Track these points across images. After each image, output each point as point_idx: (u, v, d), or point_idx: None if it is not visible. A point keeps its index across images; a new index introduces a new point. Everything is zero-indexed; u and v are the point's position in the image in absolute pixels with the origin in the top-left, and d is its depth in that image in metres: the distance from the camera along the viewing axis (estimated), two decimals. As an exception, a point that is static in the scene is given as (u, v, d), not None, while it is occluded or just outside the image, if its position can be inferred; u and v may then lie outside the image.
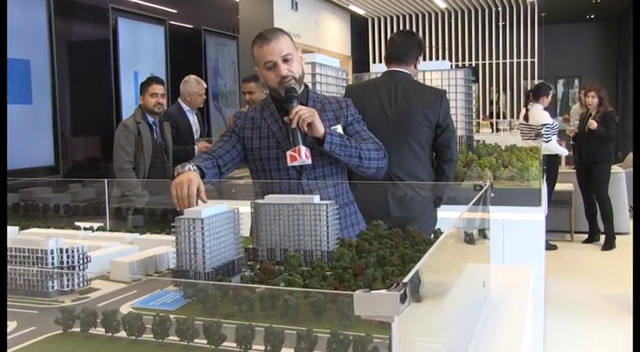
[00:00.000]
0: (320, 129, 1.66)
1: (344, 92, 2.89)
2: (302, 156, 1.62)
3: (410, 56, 2.58)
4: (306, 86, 1.86)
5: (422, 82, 3.62)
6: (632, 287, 2.08)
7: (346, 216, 1.80)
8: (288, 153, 1.64)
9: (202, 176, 1.55)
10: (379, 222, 1.44)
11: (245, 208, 1.36)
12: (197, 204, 1.43)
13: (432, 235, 1.38)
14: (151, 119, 3.46)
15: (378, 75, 2.90)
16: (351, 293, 0.63)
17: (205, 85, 4.11)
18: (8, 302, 1.02)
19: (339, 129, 1.80)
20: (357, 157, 1.73)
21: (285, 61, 1.73)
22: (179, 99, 4.01)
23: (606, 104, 5.16)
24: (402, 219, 2.27)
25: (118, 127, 3.45)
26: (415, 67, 2.62)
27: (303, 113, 1.63)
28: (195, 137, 4.00)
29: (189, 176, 1.48)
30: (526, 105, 5.29)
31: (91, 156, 4.18)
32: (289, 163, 1.65)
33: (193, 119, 4.05)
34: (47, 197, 2.17)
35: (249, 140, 1.80)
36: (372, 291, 0.62)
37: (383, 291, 0.62)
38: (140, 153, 3.37)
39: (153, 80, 3.54)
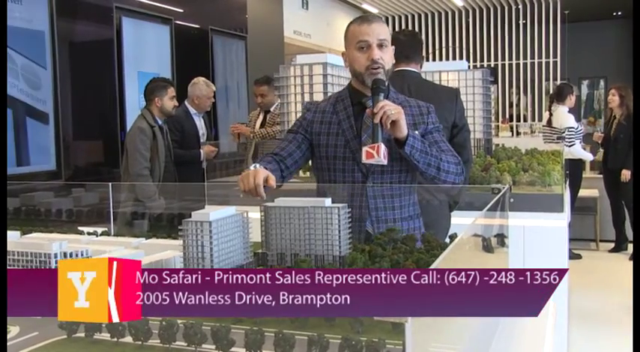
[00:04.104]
0: (404, 129, 1.54)
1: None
2: (381, 154, 1.50)
3: (417, 54, 2.53)
4: (389, 84, 1.72)
5: (438, 82, 3.51)
6: (632, 288, 1.97)
7: (408, 230, 1.65)
8: (365, 148, 1.52)
9: None
10: (393, 227, 1.40)
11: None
12: (266, 194, 1.42)
13: (449, 240, 1.31)
14: (159, 122, 3.38)
15: (391, 74, 2.81)
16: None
17: (214, 88, 4.00)
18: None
19: None
20: (436, 168, 1.61)
21: (380, 46, 1.63)
22: (186, 102, 3.90)
23: (629, 104, 4.93)
24: None
25: (133, 131, 3.32)
26: (421, 66, 2.57)
27: (389, 109, 1.51)
28: (202, 141, 3.90)
29: (254, 170, 1.46)
30: (549, 110, 5.10)
31: (94, 161, 4.11)
32: (364, 160, 1.53)
33: (200, 123, 3.94)
34: (49, 201, 2.13)
35: (316, 135, 1.70)
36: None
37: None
38: (156, 157, 3.29)
39: (169, 83, 3.47)
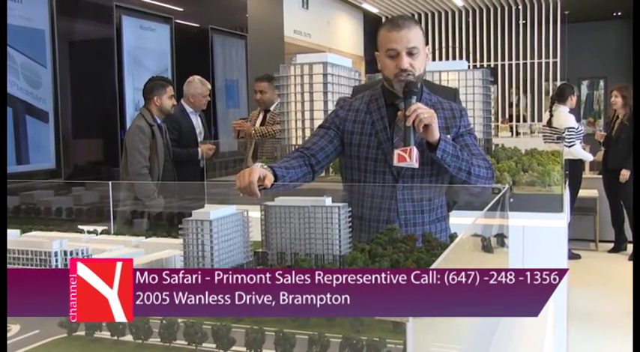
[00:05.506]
0: (436, 133, 1.53)
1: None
2: (413, 158, 1.49)
3: None
4: (422, 85, 1.71)
5: (438, 82, 3.50)
6: (633, 288, 1.97)
7: (435, 232, 1.65)
8: (397, 151, 1.51)
9: (275, 175, 1.51)
10: (393, 226, 1.41)
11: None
12: (260, 193, 1.43)
13: (449, 240, 1.32)
14: (158, 121, 3.39)
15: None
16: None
17: (210, 86, 4.01)
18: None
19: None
20: (467, 172, 1.60)
21: (410, 54, 1.60)
22: (182, 101, 3.91)
23: (632, 104, 4.92)
24: None
25: (132, 130, 3.33)
26: None
27: (422, 112, 1.50)
28: (199, 139, 3.91)
29: (250, 168, 1.45)
30: (550, 110, 5.09)
31: (94, 159, 4.11)
32: (395, 163, 1.52)
33: (197, 121, 3.95)
34: (49, 200, 2.12)
35: (348, 134, 1.69)
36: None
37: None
38: (155, 156, 3.30)
39: (167, 81, 3.48)
